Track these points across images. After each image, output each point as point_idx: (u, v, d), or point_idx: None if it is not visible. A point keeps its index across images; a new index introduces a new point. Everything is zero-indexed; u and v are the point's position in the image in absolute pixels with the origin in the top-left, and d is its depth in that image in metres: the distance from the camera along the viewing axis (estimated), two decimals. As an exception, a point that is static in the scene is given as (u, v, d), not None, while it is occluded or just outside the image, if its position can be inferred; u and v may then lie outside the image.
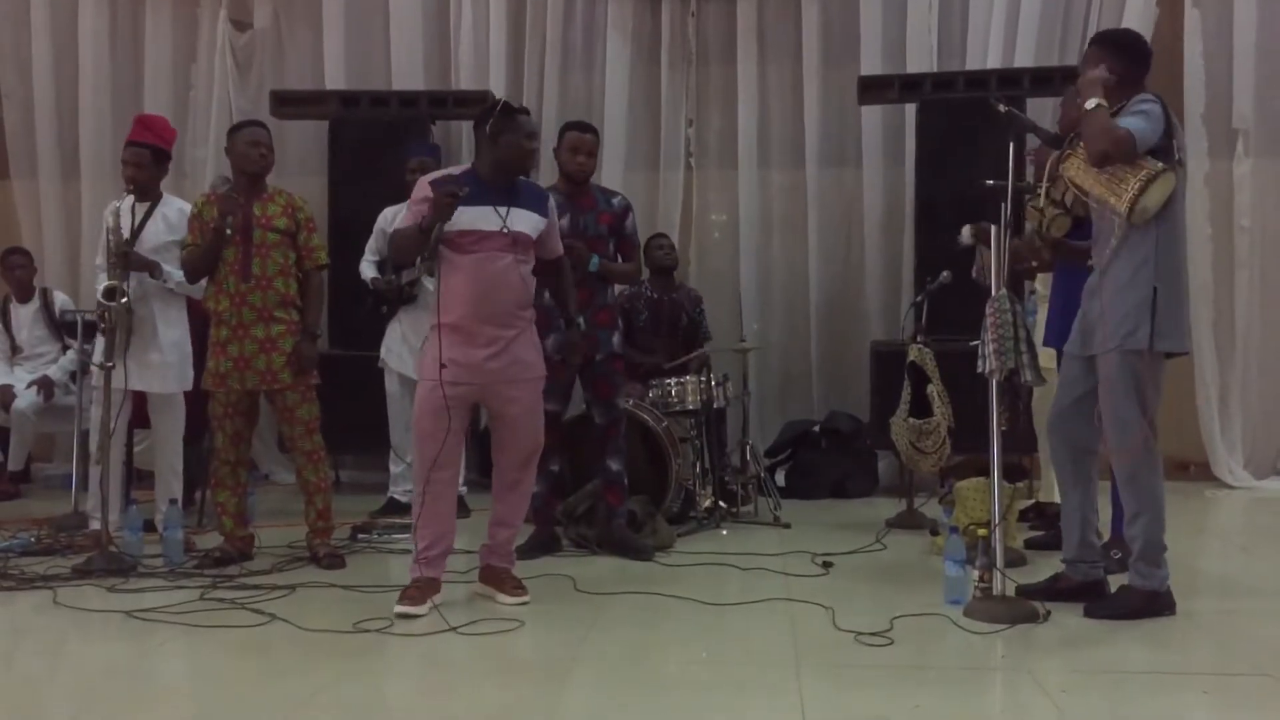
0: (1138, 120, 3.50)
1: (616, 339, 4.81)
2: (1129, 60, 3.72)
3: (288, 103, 6.70)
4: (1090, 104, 3.56)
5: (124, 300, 4.58)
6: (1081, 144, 3.62)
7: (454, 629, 3.58)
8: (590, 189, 4.84)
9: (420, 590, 3.85)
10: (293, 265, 4.63)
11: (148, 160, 4.88)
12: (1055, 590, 3.83)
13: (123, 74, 7.33)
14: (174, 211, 4.92)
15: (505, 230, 3.84)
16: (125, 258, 4.64)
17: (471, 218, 3.79)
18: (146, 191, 4.90)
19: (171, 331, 4.93)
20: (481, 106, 6.49)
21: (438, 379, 3.76)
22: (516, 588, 3.98)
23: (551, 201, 4.10)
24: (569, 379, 4.76)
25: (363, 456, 6.71)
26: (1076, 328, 3.81)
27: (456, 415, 3.82)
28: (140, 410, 5.03)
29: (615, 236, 4.84)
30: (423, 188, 3.83)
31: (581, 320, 4.28)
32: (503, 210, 3.84)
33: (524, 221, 3.91)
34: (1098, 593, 3.80)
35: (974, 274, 4.97)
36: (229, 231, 4.45)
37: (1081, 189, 3.67)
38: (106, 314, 4.59)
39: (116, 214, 4.71)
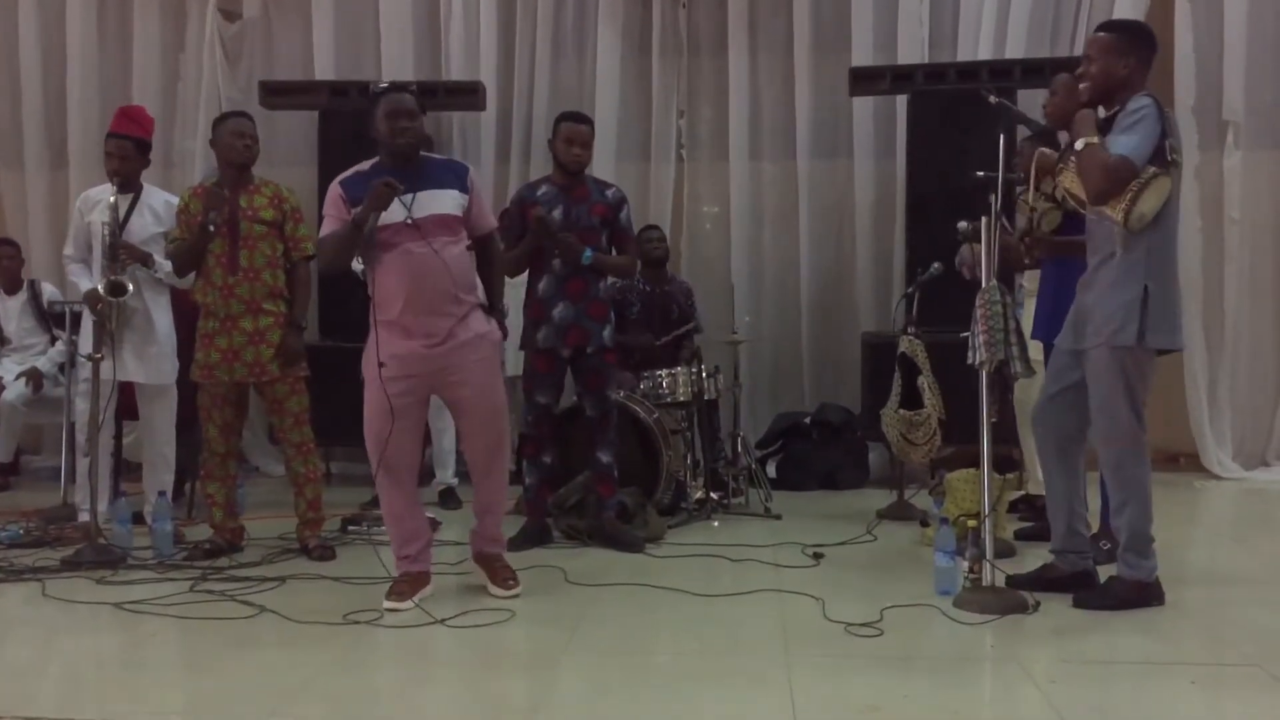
0: (1129, 139, 3.48)
1: (608, 332, 4.79)
2: (1139, 47, 3.70)
3: (277, 93, 6.68)
4: (1080, 144, 3.56)
5: (126, 295, 4.60)
6: (1074, 159, 3.62)
7: (444, 621, 3.58)
8: (585, 180, 4.82)
9: (407, 585, 3.86)
10: (280, 257, 4.61)
11: (131, 151, 4.86)
12: (1044, 580, 3.84)
13: (111, 65, 7.29)
14: (159, 203, 4.91)
15: (409, 220, 3.72)
16: (129, 249, 4.65)
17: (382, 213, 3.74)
18: (129, 183, 4.87)
19: (163, 321, 4.94)
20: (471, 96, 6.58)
21: (378, 378, 3.74)
22: (508, 578, 3.96)
23: (472, 174, 3.96)
24: (560, 371, 4.76)
25: (353, 448, 6.68)
26: (1068, 321, 3.82)
27: (407, 412, 3.81)
28: (127, 401, 5.02)
29: (609, 229, 4.82)
30: (334, 191, 3.83)
31: (505, 307, 4.14)
32: (407, 199, 3.72)
33: (435, 203, 3.80)
34: (1086, 583, 3.81)
35: (957, 265, 5.00)
36: (212, 228, 4.43)
37: (1078, 199, 3.67)
38: (101, 305, 4.58)
39: (114, 207, 4.69)
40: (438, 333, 3.77)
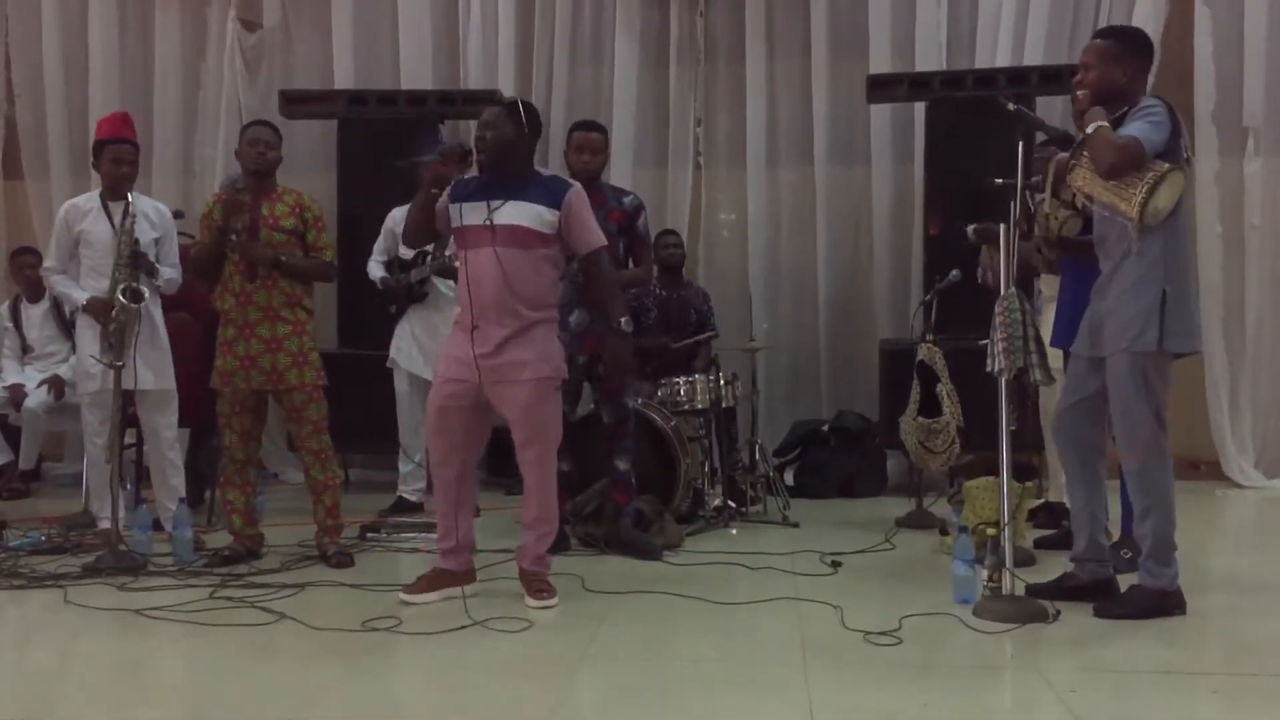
0: (1143, 126, 3.48)
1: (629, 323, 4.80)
2: (1136, 54, 3.70)
3: (296, 102, 6.71)
4: (1091, 128, 3.55)
5: (144, 301, 4.63)
6: (1086, 154, 3.61)
7: (462, 627, 3.59)
8: (601, 187, 4.83)
9: (426, 581, 3.94)
10: (301, 265, 4.64)
11: (135, 157, 4.95)
12: (1064, 589, 3.82)
13: (132, 74, 7.35)
14: (151, 209, 4.93)
15: (488, 223, 3.83)
16: (144, 258, 4.68)
17: (464, 213, 3.90)
18: (123, 192, 4.86)
19: (163, 328, 4.99)
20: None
21: (441, 376, 3.92)
22: (540, 591, 3.94)
23: (572, 195, 3.95)
24: (577, 378, 4.76)
25: (372, 455, 6.72)
26: (1083, 328, 3.80)
27: (457, 413, 3.89)
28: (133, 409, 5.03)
29: (626, 235, 4.82)
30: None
31: (625, 322, 4.08)
32: (495, 203, 3.85)
33: (518, 213, 3.86)
34: (1107, 591, 3.78)
35: (979, 277, 4.98)
36: (234, 236, 4.45)
37: (1090, 197, 3.66)
38: (116, 315, 4.60)
39: (132, 218, 4.70)
40: (490, 341, 3.83)
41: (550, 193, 3.92)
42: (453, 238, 4.06)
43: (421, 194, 4.01)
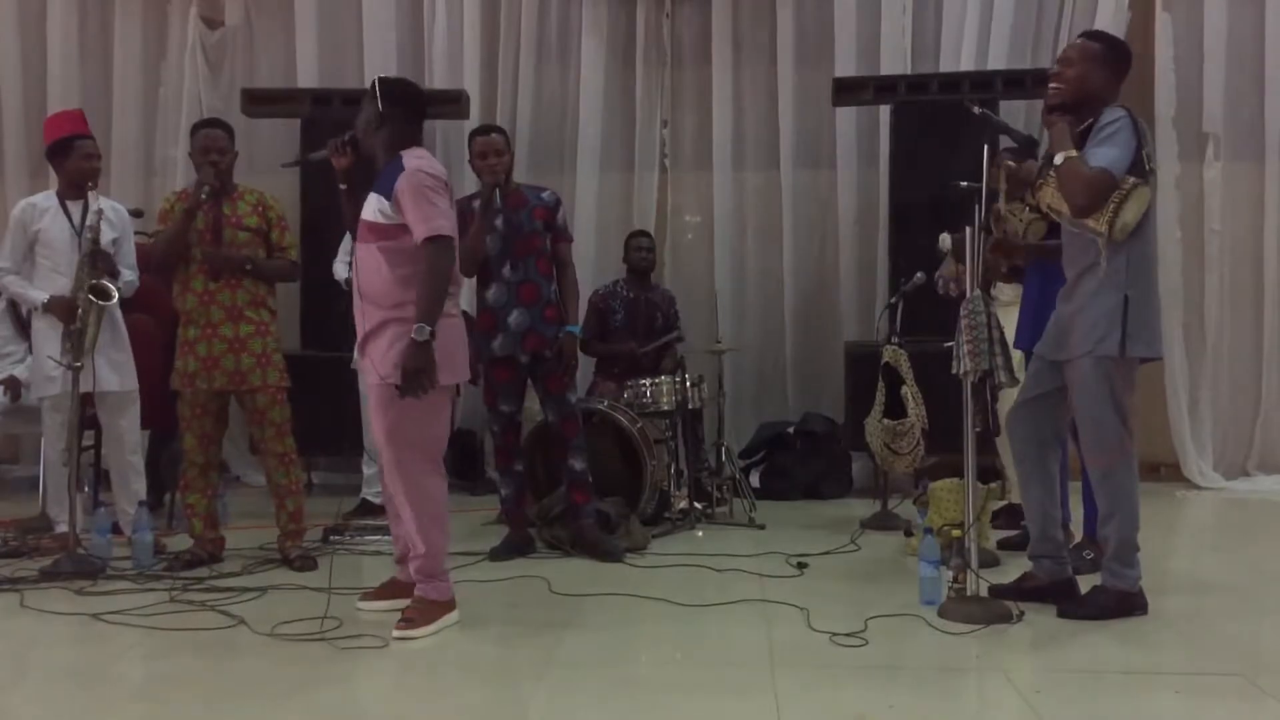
0: (1109, 150, 3.51)
1: (563, 335, 4.78)
2: (1118, 62, 3.73)
3: (259, 101, 6.64)
4: (1059, 159, 3.58)
5: (114, 300, 4.56)
6: (1053, 174, 3.63)
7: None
8: (519, 188, 4.82)
9: (380, 589, 3.90)
10: (263, 265, 4.59)
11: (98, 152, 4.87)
12: (1024, 590, 3.84)
13: (92, 72, 7.24)
14: (110, 209, 4.83)
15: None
16: (106, 258, 4.62)
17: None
18: (85, 189, 4.78)
19: (124, 329, 4.90)
20: (454, 105, 6.55)
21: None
22: (407, 619, 3.58)
23: (403, 178, 3.54)
24: (520, 378, 4.75)
25: (335, 458, 6.65)
26: (1049, 332, 3.83)
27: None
28: (92, 411, 4.96)
29: (550, 230, 4.80)
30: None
31: (419, 329, 3.47)
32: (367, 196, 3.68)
33: (366, 206, 3.66)
34: (1067, 592, 3.81)
35: (940, 288, 5.01)
36: (205, 196, 4.39)
37: (1059, 214, 3.69)
38: (80, 314, 4.53)
39: (99, 214, 4.64)
40: (361, 336, 3.68)
41: (388, 179, 3.60)
42: None
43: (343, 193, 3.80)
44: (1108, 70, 3.69)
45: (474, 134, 4.87)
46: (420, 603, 3.63)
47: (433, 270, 3.51)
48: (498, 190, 4.64)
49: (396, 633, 3.51)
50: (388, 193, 3.57)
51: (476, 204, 4.63)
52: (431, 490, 3.65)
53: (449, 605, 3.69)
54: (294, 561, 4.50)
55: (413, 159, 3.61)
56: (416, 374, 3.43)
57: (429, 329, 3.44)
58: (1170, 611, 3.76)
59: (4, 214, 7.11)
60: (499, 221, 4.69)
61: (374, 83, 3.72)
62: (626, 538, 4.87)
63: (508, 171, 4.74)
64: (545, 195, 4.84)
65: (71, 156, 4.80)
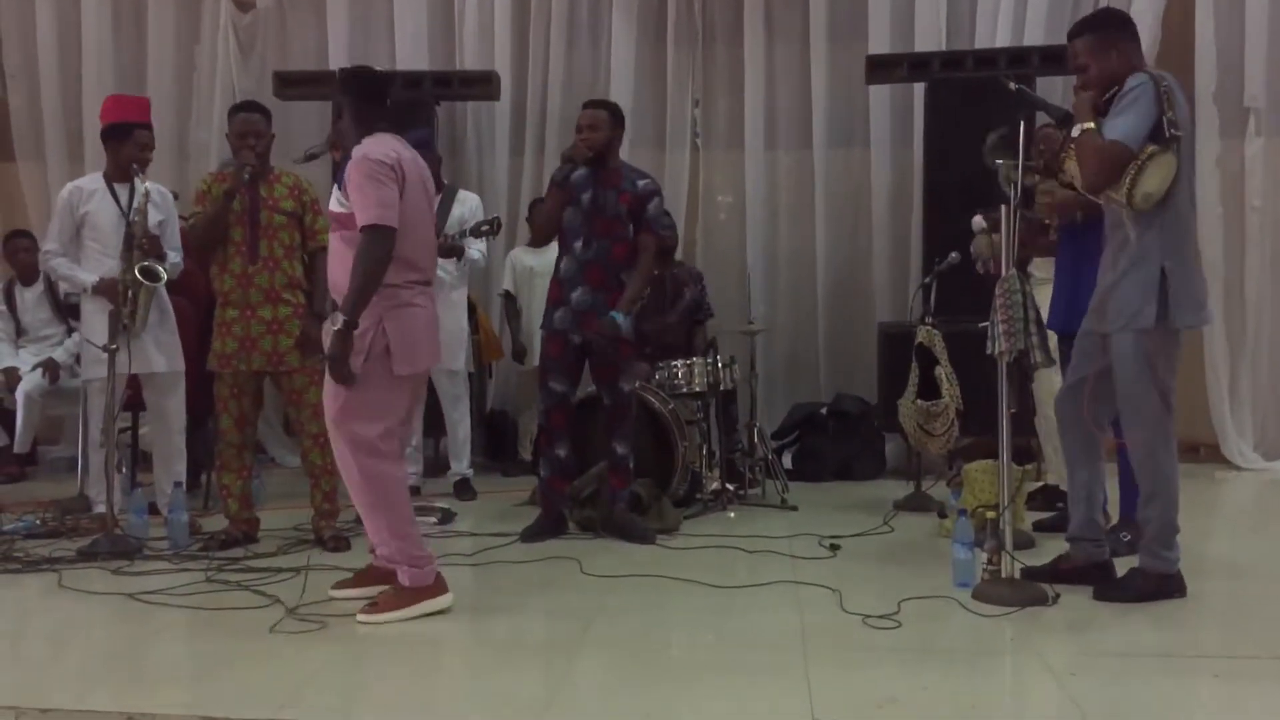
0: (1124, 121, 3.46)
1: (627, 323, 4.72)
2: (1121, 32, 3.68)
3: (291, 84, 6.67)
4: (1077, 130, 3.53)
5: (162, 281, 4.61)
6: (1073, 146, 3.58)
7: (453, 611, 3.57)
8: (619, 167, 4.79)
9: (358, 577, 3.86)
10: (299, 247, 4.61)
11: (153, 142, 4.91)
12: (1059, 571, 3.81)
13: (126, 56, 7.31)
14: (156, 192, 4.89)
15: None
16: (153, 241, 4.66)
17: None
18: (133, 174, 4.83)
19: (170, 311, 4.95)
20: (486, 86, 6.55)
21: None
22: (370, 602, 3.58)
23: (350, 165, 3.53)
24: (574, 357, 4.73)
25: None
26: (1092, 304, 3.77)
27: None
28: (134, 393, 5.01)
29: (634, 220, 4.75)
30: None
31: (333, 318, 3.54)
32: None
33: (332, 196, 3.63)
34: (1102, 574, 3.77)
35: (980, 269, 4.93)
36: (247, 176, 4.42)
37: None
38: (131, 292, 4.58)
39: (146, 195, 4.68)
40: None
41: (345, 168, 3.58)
42: None
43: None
44: (1117, 48, 3.64)
45: (584, 106, 4.84)
46: (394, 589, 3.60)
47: (363, 258, 3.45)
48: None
49: (361, 617, 3.49)
50: (341, 181, 3.57)
51: (575, 175, 4.67)
52: (380, 479, 3.57)
53: (431, 590, 3.60)
54: (328, 542, 4.54)
55: (368, 144, 3.56)
56: (333, 361, 3.44)
57: (343, 318, 3.42)
58: (1209, 594, 3.71)
59: (42, 196, 7.25)
60: (586, 196, 4.66)
61: (342, 72, 3.72)
62: (658, 519, 4.87)
63: (603, 148, 4.66)
64: (641, 183, 4.77)
65: (127, 143, 4.83)
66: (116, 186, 4.84)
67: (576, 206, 4.67)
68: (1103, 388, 3.71)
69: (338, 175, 3.67)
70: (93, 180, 4.93)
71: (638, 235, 4.77)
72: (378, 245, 3.47)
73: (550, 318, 4.72)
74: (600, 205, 4.67)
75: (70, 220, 4.87)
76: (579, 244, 4.67)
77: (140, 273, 4.58)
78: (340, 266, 3.55)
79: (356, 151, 3.54)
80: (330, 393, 3.56)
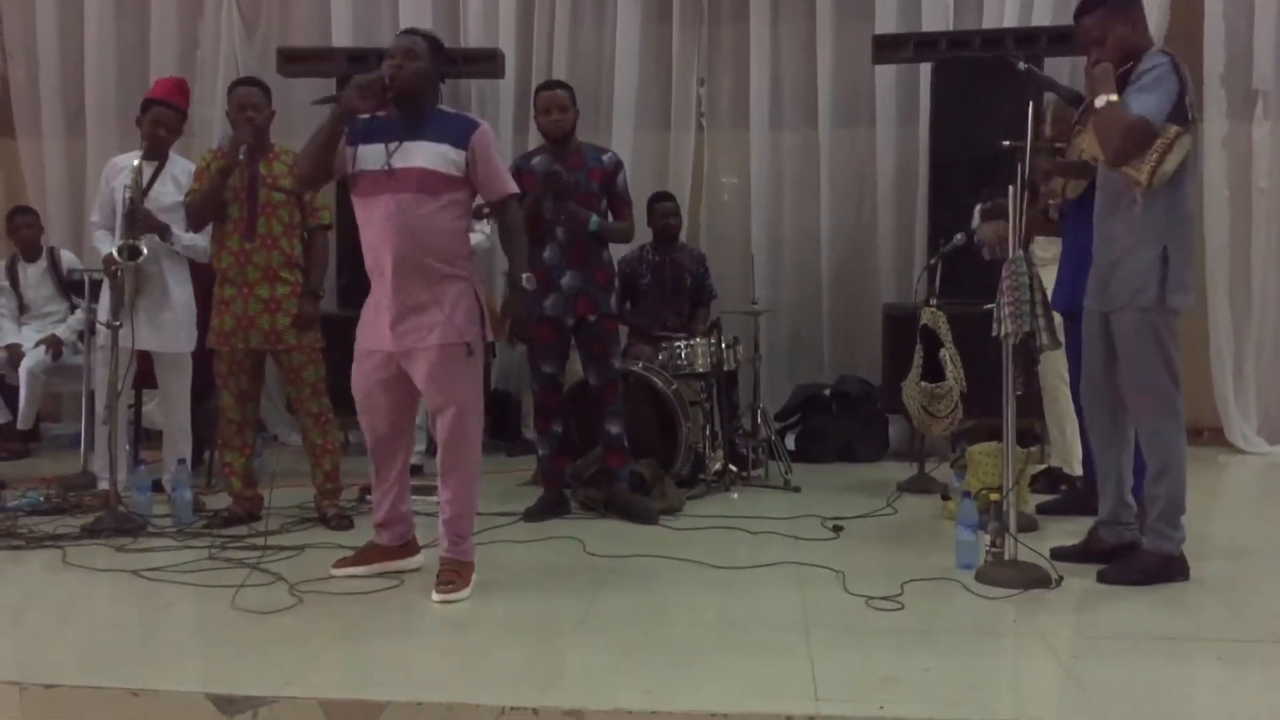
0: (1148, 98, 3.44)
1: (612, 299, 4.79)
2: (1129, 5, 3.65)
3: (294, 60, 6.62)
4: (1100, 101, 3.50)
5: (140, 259, 4.58)
6: (1092, 120, 3.56)
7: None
8: (579, 147, 4.78)
9: (359, 554, 3.89)
10: (298, 225, 4.59)
11: (176, 123, 4.90)
12: (1089, 552, 3.81)
13: (128, 31, 7.25)
14: (181, 172, 4.88)
15: (387, 167, 3.46)
16: (147, 217, 4.64)
17: (362, 157, 3.52)
18: (160, 151, 4.87)
19: (180, 290, 4.93)
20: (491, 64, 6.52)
21: (359, 345, 3.68)
22: (446, 583, 3.56)
23: (479, 133, 3.55)
24: (564, 340, 4.73)
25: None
26: (1092, 281, 3.76)
27: (380, 387, 3.64)
28: (145, 370, 5.02)
29: (606, 193, 4.76)
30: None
31: (528, 278, 3.70)
32: (393, 145, 3.48)
33: (423, 155, 3.47)
34: (1130, 556, 3.76)
35: (985, 255, 4.90)
36: (242, 156, 4.40)
37: (1098, 160, 3.62)
38: (116, 272, 4.58)
39: (139, 171, 4.67)
40: (396, 304, 3.50)
41: (454, 130, 3.53)
42: (351, 186, 3.58)
43: (329, 125, 3.46)
44: (1129, 18, 3.62)
45: (539, 88, 4.84)
46: (455, 564, 3.62)
47: (521, 223, 3.76)
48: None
49: (438, 596, 3.52)
50: (462, 144, 3.52)
51: (534, 162, 4.68)
52: (479, 451, 3.67)
53: (473, 566, 3.69)
54: (330, 521, 4.54)
55: (469, 117, 3.68)
56: (521, 319, 3.77)
57: (526, 275, 3.68)
58: (1211, 577, 3.71)
59: (42, 172, 7.23)
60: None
61: (430, 37, 3.63)
62: (661, 500, 4.87)
63: (569, 130, 4.71)
64: (605, 158, 4.79)
65: (143, 120, 4.86)
66: (146, 164, 4.84)
67: (547, 193, 4.64)
68: (1114, 369, 3.70)
69: (428, 132, 3.51)
70: (129, 156, 4.94)
71: (613, 210, 4.77)
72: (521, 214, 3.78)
73: (539, 305, 4.71)
74: (572, 186, 4.67)
75: (107, 194, 4.93)
76: (560, 229, 4.65)
77: (118, 251, 4.57)
78: (451, 232, 3.53)
79: (477, 121, 3.62)
80: (450, 374, 3.50)
